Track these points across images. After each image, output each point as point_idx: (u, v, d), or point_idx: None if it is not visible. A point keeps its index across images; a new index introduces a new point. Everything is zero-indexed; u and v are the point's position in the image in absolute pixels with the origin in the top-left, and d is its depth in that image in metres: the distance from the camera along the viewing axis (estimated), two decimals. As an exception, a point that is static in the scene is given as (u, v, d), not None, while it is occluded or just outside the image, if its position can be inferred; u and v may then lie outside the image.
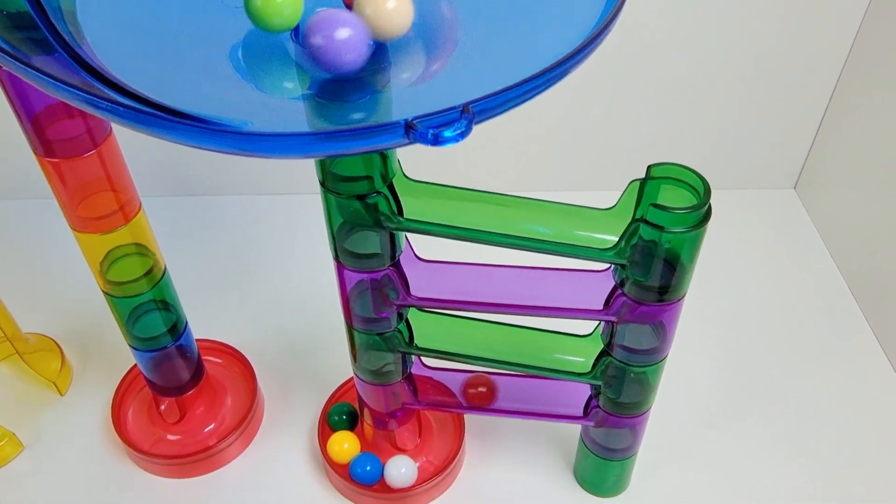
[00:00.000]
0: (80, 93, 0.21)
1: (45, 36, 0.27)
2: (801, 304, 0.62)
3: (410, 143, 0.21)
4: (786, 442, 0.52)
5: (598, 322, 0.43)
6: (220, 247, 0.68)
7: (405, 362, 0.44)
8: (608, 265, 0.38)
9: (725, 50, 0.63)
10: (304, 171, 0.70)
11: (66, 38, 0.27)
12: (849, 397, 0.55)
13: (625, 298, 0.37)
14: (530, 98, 0.23)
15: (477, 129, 0.70)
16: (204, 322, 0.56)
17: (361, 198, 0.35)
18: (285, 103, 0.29)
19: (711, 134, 0.69)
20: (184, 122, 0.21)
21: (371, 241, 0.37)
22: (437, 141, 0.21)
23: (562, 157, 0.70)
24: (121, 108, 0.21)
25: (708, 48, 0.63)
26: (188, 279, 0.55)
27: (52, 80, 0.21)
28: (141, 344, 0.47)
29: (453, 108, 0.21)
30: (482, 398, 0.47)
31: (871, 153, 0.62)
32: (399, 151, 0.36)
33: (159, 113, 0.22)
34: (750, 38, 0.62)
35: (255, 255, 0.67)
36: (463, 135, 0.21)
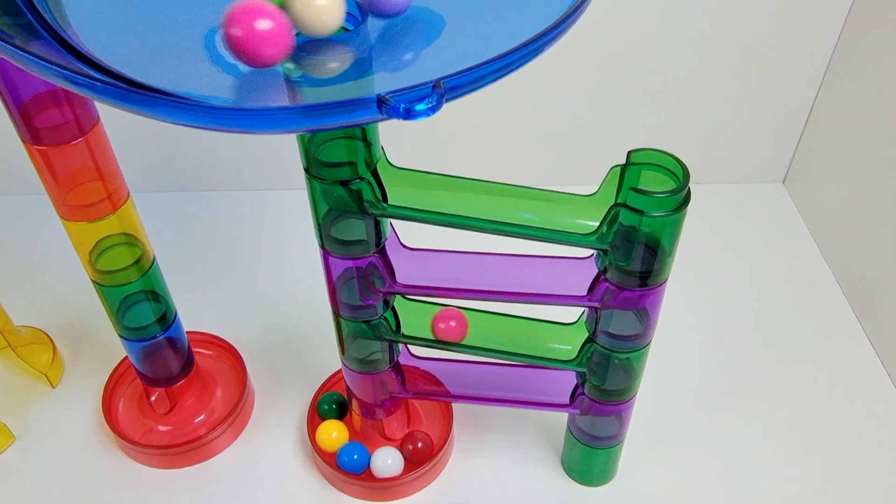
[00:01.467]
0: (60, 69, 0.22)
1: (30, 20, 0.28)
2: (790, 296, 0.63)
3: (384, 118, 0.22)
4: (772, 430, 0.53)
5: (582, 310, 0.43)
6: (209, 241, 0.68)
7: (392, 351, 0.45)
8: (592, 252, 0.39)
9: (713, 45, 0.64)
10: (291, 168, 0.70)
11: (51, 23, 0.28)
12: (836, 388, 0.56)
13: (608, 284, 0.38)
14: (502, 76, 0.23)
15: (465, 126, 0.70)
16: (194, 315, 0.56)
17: (345, 183, 0.35)
18: (267, 87, 0.29)
19: (700, 129, 0.69)
20: (162, 98, 0.22)
21: (356, 228, 0.38)
22: (408, 115, 0.21)
23: (547, 152, 0.71)
24: (98, 84, 0.21)
25: (695, 43, 0.63)
26: (179, 273, 0.56)
27: (31, 57, 0.22)
28: (131, 334, 0.47)
29: (425, 83, 0.22)
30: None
31: (858, 147, 0.62)
32: (383, 142, 0.37)
33: (137, 89, 0.22)
34: (737, 32, 0.63)
35: (245, 250, 0.68)
36: (434, 109, 0.21)
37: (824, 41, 0.64)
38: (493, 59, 0.23)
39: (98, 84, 0.22)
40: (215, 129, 0.23)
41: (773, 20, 0.62)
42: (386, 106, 0.21)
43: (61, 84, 0.22)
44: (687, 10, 0.61)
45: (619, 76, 0.65)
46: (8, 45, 0.22)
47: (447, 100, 0.22)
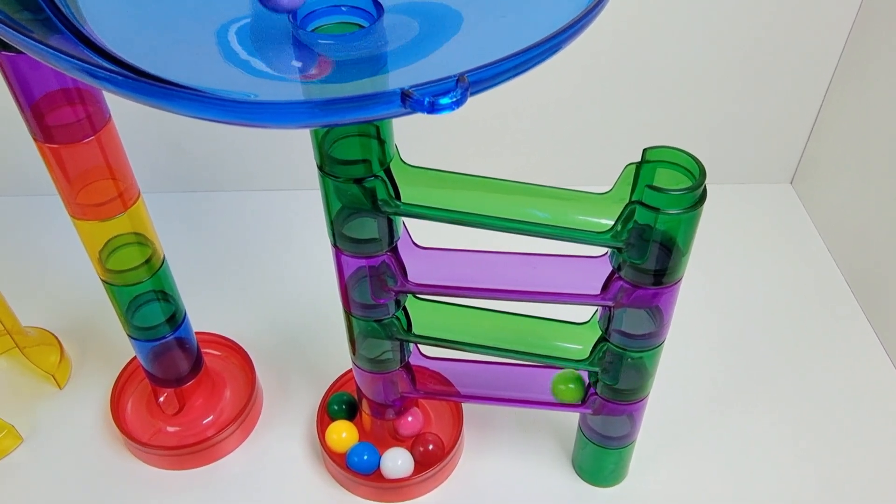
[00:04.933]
0: (82, 63, 0.21)
1: (49, 16, 0.28)
2: (799, 296, 0.62)
3: (408, 112, 0.22)
4: (783, 430, 0.53)
5: (595, 309, 0.43)
6: (219, 242, 0.68)
7: (403, 350, 0.45)
8: (605, 250, 0.39)
9: (721, 44, 0.64)
10: (301, 168, 0.70)
11: (70, 18, 0.28)
12: (846, 387, 0.55)
13: (622, 283, 0.38)
14: (525, 70, 0.23)
15: (478, 125, 0.70)
16: (203, 315, 0.56)
17: (359, 181, 0.35)
18: (285, 83, 0.29)
19: (708, 129, 0.69)
20: (182, 91, 0.22)
21: (369, 227, 0.38)
22: (433, 108, 0.21)
23: (556, 153, 0.71)
24: (119, 77, 0.21)
25: (704, 43, 0.63)
26: (188, 273, 0.56)
27: (53, 51, 0.22)
28: (140, 334, 0.47)
29: (449, 77, 0.21)
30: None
31: (866, 147, 0.62)
32: (397, 140, 0.37)
33: (156, 82, 0.22)
34: (745, 32, 0.63)
35: (254, 250, 0.67)
36: (458, 103, 0.21)
37: (833, 41, 0.64)
38: (516, 54, 0.23)
39: (119, 78, 0.21)
40: (234, 124, 0.23)
41: (782, 20, 0.62)
42: (410, 100, 0.21)
43: (82, 78, 0.22)
44: (696, 11, 0.61)
45: (628, 76, 0.65)
46: (30, 40, 0.22)
47: (470, 94, 0.22)
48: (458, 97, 0.21)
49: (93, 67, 0.22)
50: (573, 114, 0.68)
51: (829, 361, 0.57)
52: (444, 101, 0.21)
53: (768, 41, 0.63)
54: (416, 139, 0.65)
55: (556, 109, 0.67)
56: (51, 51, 0.22)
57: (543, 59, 0.24)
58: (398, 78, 0.28)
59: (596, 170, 0.70)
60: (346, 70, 0.29)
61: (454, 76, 0.21)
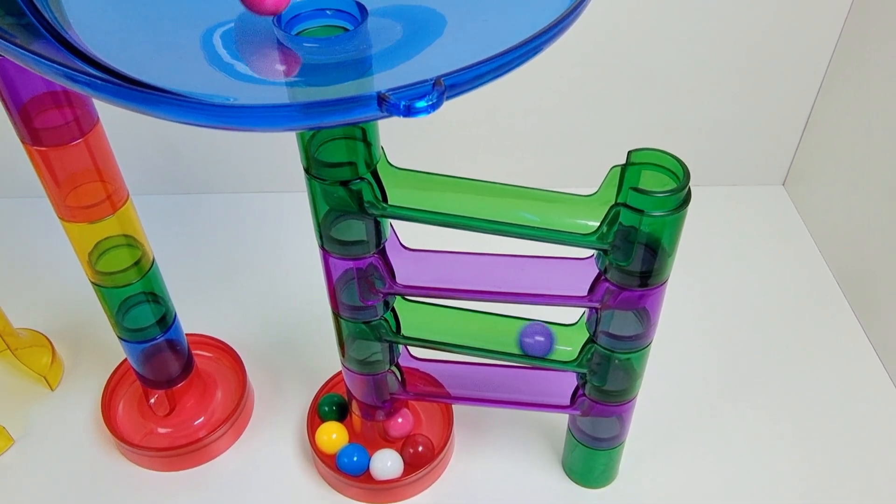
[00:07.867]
0: (61, 67, 0.22)
1: (31, 20, 0.28)
2: (790, 298, 0.63)
3: (385, 115, 0.22)
4: (772, 430, 0.53)
5: (583, 310, 0.43)
6: (209, 244, 0.68)
7: (392, 352, 0.45)
8: (592, 252, 0.39)
9: (713, 46, 0.64)
10: (289, 170, 0.70)
11: (52, 22, 0.28)
12: (837, 388, 0.56)
13: (608, 284, 0.38)
14: (502, 74, 0.23)
15: (465, 127, 0.70)
16: (194, 317, 0.56)
17: (345, 184, 0.35)
18: (266, 86, 0.29)
19: (700, 131, 0.69)
20: (162, 95, 0.22)
21: (356, 229, 0.38)
22: (409, 112, 0.21)
23: (546, 155, 0.71)
24: (98, 82, 0.21)
25: (695, 44, 0.64)
26: (178, 275, 0.56)
27: (33, 56, 0.22)
28: (130, 336, 0.47)
29: (425, 80, 0.22)
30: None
31: (858, 149, 0.63)
32: (383, 142, 0.37)
33: (136, 86, 0.22)
34: (737, 34, 0.63)
35: (244, 252, 0.68)
36: (434, 106, 0.21)
37: (824, 43, 0.64)
38: (493, 57, 0.23)
39: (98, 82, 0.22)
40: (215, 127, 0.23)
41: (773, 22, 0.62)
42: (386, 103, 0.21)
43: (62, 82, 0.22)
44: (687, 12, 0.62)
45: (618, 78, 0.66)
46: (10, 45, 0.22)
47: (447, 97, 0.22)
48: (434, 101, 0.21)
49: (73, 72, 0.22)
50: (562, 116, 0.68)
51: (820, 362, 0.57)
52: (420, 104, 0.21)
53: (760, 43, 0.64)
54: (402, 141, 0.66)
55: (544, 111, 0.68)
56: (31, 55, 0.22)
57: (522, 62, 0.24)
58: (381, 81, 0.28)
59: (586, 172, 0.70)
60: (330, 73, 0.29)
61: (430, 80, 0.22)
